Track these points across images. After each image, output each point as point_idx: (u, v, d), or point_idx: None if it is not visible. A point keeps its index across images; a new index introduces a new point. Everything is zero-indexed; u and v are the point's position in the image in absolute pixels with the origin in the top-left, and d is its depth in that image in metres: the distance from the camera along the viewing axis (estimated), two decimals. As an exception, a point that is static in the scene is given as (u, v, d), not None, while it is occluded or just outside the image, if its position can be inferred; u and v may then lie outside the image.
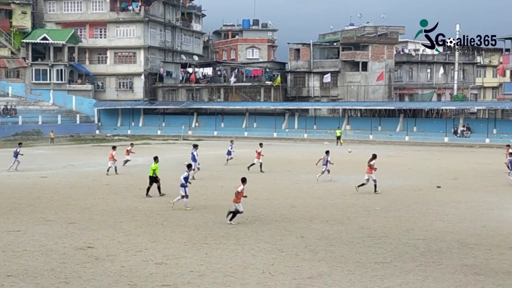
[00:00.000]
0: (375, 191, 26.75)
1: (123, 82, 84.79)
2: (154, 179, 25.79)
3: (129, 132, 78.03)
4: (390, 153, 51.51)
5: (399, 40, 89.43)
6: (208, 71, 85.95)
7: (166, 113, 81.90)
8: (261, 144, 37.14)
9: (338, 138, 62.37)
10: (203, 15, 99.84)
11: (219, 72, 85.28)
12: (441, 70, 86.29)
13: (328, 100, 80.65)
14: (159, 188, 25.93)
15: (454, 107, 72.05)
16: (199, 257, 15.52)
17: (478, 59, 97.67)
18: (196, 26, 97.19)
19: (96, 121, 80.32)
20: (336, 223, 20.13)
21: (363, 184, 26.91)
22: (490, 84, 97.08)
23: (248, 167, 35.52)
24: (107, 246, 16.67)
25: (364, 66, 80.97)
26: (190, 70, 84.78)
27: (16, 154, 36.12)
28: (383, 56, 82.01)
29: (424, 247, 16.78)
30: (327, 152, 31.91)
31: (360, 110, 76.72)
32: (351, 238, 17.92)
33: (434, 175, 33.87)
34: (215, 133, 75.09)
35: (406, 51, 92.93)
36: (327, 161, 31.40)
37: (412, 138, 65.12)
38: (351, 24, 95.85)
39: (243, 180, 20.48)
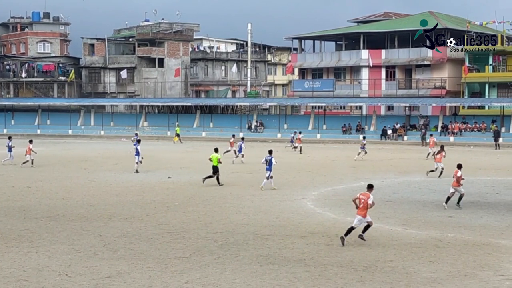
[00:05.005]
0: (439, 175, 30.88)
1: None
2: None
3: None
4: (188, 149, 52.22)
5: (194, 37, 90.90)
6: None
7: None
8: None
9: (178, 135, 60.21)
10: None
11: (7, 67, 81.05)
12: (234, 68, 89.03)
13: (125, 96, 79.93)
14: None
15: (248, 103, 74.86)
16: (-11, 263, 14.63)
17: (269, 57, 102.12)
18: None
19: None
20: (135, 220, 19.99)
21: (432, 171, 31.21)
22: (281, 82, 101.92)
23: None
24: None
25: (161, 62, 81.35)
26: (-25, 64, 79.58)
27: None
28: (179, 52, 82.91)
29: (222, 240, 17.21)
30: (364, 139, 41.90)
31: (158, 106, 76.87)
32: (150, 234, 17.89)
33: (230, 170, 34.80)
34: (5, 131, 70.86)
35: (202, 48, 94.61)
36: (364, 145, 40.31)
37: (209, 134, 66.41)
38: (147, 20, 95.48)
39: (459, 166, 22.19)
